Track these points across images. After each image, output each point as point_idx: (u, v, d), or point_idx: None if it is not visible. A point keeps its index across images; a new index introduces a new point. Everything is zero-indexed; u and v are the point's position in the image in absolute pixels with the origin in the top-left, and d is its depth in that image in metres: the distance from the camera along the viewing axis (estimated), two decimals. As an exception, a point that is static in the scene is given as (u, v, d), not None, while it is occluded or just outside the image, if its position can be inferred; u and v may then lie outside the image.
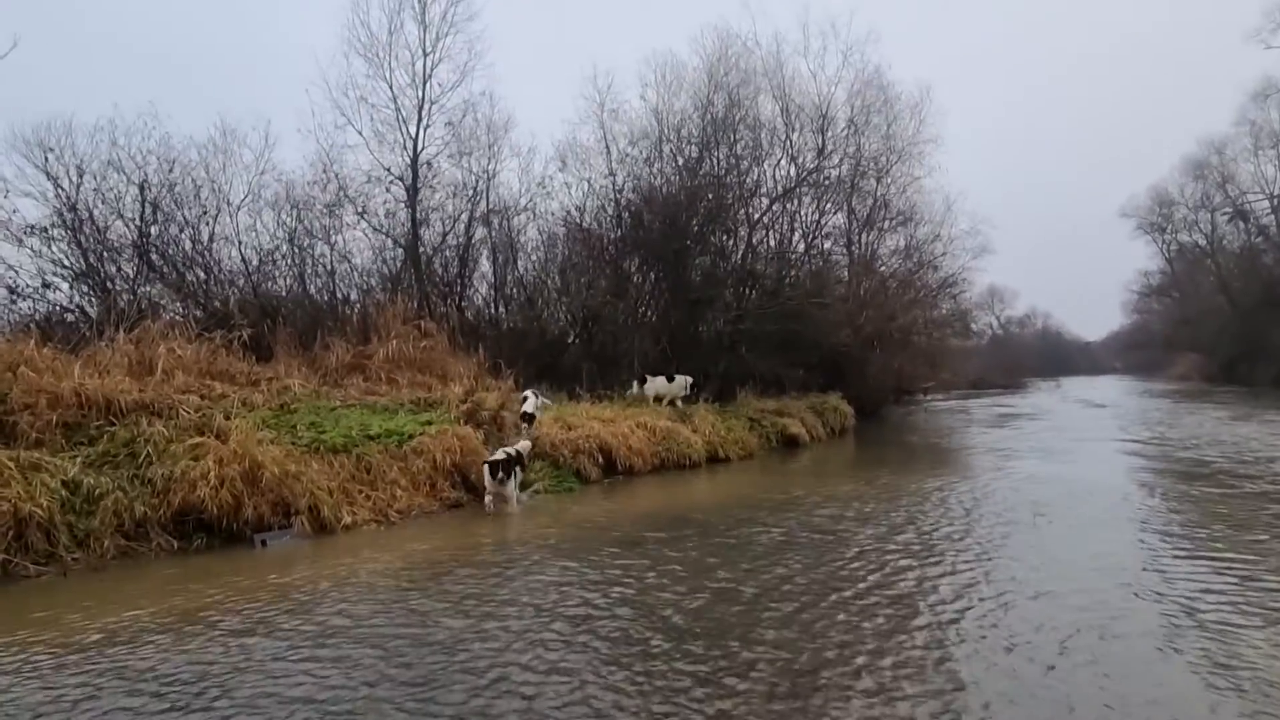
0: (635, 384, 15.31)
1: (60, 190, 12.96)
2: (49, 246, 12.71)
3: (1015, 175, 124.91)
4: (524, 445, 9.63)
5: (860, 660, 3.82)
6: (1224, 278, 43.12)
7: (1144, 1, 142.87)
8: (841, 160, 22.84)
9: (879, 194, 25.17)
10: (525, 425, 10.66)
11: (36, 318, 11.97)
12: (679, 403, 14.89)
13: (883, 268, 25.59)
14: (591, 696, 3.47)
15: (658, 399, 14.87)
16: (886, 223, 26.10)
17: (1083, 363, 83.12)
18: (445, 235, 17.62)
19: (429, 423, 9.73)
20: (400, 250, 17.04)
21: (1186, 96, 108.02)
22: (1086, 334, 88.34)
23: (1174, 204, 46.47)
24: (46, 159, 12.87)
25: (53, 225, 12.76)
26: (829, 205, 23.39)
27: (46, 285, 12.62)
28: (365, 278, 16.81)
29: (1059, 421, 19.75)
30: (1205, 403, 24.34)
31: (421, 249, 16.99)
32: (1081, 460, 11.93)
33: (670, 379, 15.08)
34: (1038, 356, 70.15)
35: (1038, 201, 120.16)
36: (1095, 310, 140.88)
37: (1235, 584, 4.91)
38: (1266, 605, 4.47)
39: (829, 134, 22.28)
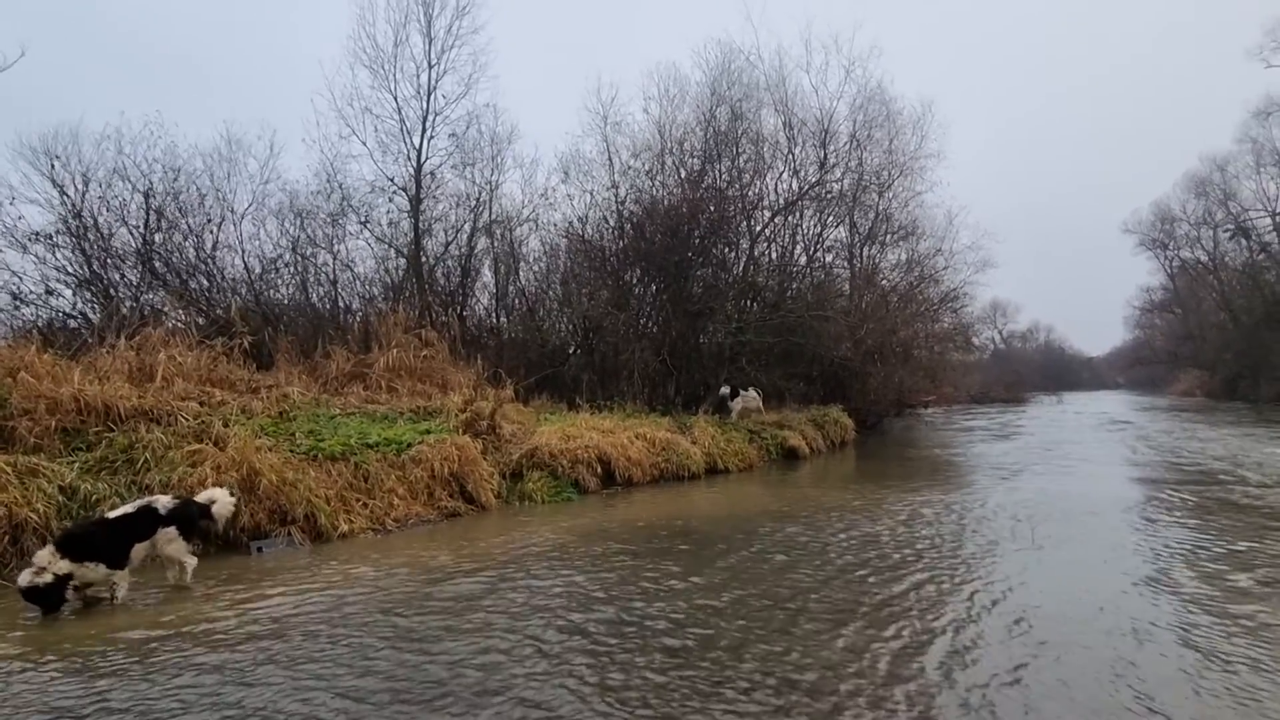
0: (728, 397, 15.96)
1: (66, 197, 13.08)
2: (53, 253, 12.81)
3: (1020, 190, 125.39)
4: (213, 496, 6.25)
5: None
6: (1226, 294, 43.18)
7: (1147, 19, 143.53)
8: (844, 174, 22.98)
9: (881, 208, 25.28)
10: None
11: (39, 324, 12.03)
12: (762, 411, 16.15)
13: (884, 281, 25.61)
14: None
15: (743, 413, 15.83)
16: (888, 237, 26.19)
17: (1085, 378, 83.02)
18: (448, 245, 17.72)
19: (428, 431, 9.74)
20: (403, 260, 17.13)
21: (1190, 113, 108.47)
22: (1089, 349, 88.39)
23: (1176, 220, 46.65)
24: (53, 166, 13.00)
25: (57, 232, 12.87)
26: (831, 219, 23.48)
27: (50, 292, 12.70)
28: (367, 287, 16.92)
29: (1060, 436, 19.68)
30: (1209, 419, 24.26)
31: (424, 259, 17.06)
32: (1081, 475, 11.89)
33: (741, 393, 16.26)
34: (1040, 371, 70.08)
35: (1042, 216, 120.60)
36: (1098, 325, 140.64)
37: None
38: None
39: (831, 148, 22.45)
